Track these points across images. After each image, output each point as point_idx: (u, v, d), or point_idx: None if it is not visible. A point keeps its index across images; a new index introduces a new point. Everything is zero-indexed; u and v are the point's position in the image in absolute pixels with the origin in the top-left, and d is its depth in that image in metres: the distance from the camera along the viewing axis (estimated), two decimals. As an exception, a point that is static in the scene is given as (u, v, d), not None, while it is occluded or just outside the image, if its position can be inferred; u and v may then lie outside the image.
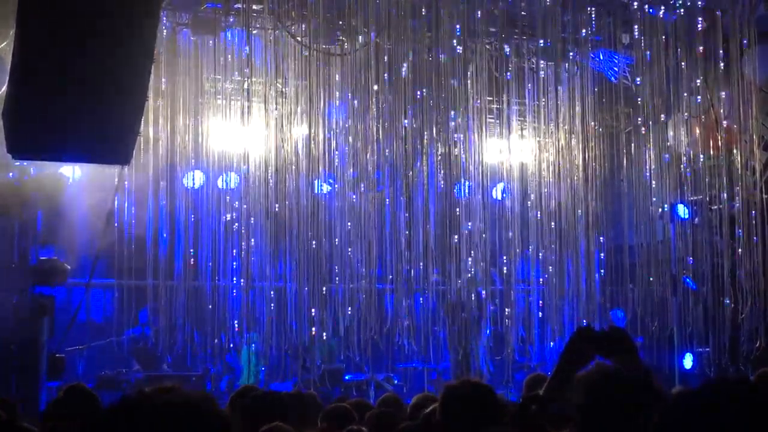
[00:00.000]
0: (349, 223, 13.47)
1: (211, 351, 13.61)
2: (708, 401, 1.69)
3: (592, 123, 14.39)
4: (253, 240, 13.19)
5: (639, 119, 14.30)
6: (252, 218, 13.17)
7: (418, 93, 13.21)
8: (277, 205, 12.98)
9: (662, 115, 13.97)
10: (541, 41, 13.67)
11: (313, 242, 13.05)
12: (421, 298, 13.83)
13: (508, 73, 14.04)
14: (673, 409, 1.73)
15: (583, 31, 13.66)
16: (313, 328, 13.14)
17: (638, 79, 14.01)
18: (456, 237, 13.64)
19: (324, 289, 13.19)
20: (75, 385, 6.27)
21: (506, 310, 14.42)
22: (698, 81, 13.61)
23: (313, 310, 13.05)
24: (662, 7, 13.54)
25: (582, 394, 3.62)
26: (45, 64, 7.14)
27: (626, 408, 3.47)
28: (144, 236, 13.46)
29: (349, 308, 13.44)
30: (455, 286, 13.70)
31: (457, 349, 13.84)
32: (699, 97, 13.74)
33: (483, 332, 14.10)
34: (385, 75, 13.09)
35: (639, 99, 14.12)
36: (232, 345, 13.64)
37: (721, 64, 13.42)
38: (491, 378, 13.64)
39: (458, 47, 13.19)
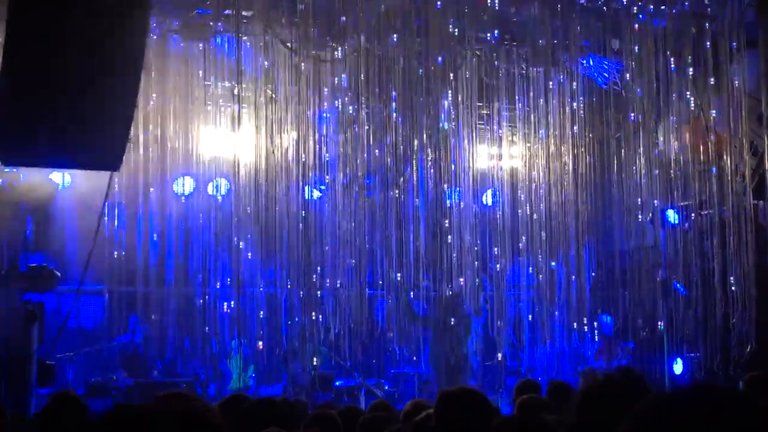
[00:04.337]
0: (339, 228, 13.46)
1: (202, 357, 13.60)
2: (689, 411, 1.67)
3: (582, 128, 14.41)
4: (242, 246, 13.17)
5: (630, 124, 14.32)
6: (242, 224, 13.15)
7: (408, 98, 13.22)
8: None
9: (652, 121, 14.01)
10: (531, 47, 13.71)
11: (307, 252, 13.05)
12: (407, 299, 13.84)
13: (498, 78, 14.06)
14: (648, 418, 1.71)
15: (573, 36, 13.69)
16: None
17: (622, 85, 14.06)
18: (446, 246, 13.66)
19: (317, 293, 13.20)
20: (64, 392, 6.24)
21: (497, 315, 14.44)
22: (688, 87, 13.65)
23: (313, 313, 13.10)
24: (651, 13, 13.57)
25: (576, 408, 3.60)
26: (34, 71, 7.13)
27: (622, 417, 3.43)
28: (134, 242, 13.44)
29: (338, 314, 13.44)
30: (446, 292, 13.72)
31: (444, 355, 13.84)
32: (689, 102, 13.77)
33: (472, 339, 14.10)
34: (375, 81, 13.10)
35: (628, 104, 14.16)
36: (222, 351, 13.63)
37: (711, 70, 13.46)
38: (481, 383, 13.65)
39: (446, 53, 13.22)
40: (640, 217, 14.24)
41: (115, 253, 13.21)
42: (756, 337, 13.11)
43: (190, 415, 2.07)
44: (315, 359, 13.64)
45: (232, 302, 13.16)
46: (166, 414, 2.06)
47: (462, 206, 14.06)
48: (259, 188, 13.01)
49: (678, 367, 14.21)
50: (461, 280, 13.78)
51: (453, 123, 13.76)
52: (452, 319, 13.97)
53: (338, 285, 13.48)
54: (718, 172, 13.57)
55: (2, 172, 11.70)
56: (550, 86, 14.20)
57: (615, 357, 14.47)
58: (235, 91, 12.70)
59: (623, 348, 14.45)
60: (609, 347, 14.64)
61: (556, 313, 14.44)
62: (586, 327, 14.55)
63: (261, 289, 13.51)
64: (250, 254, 13.27)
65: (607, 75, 14.60)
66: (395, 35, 12.87)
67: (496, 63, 14.05)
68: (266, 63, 12.89)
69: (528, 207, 14.47)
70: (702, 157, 13.75)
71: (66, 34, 7.04)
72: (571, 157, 14.33)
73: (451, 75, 13.47)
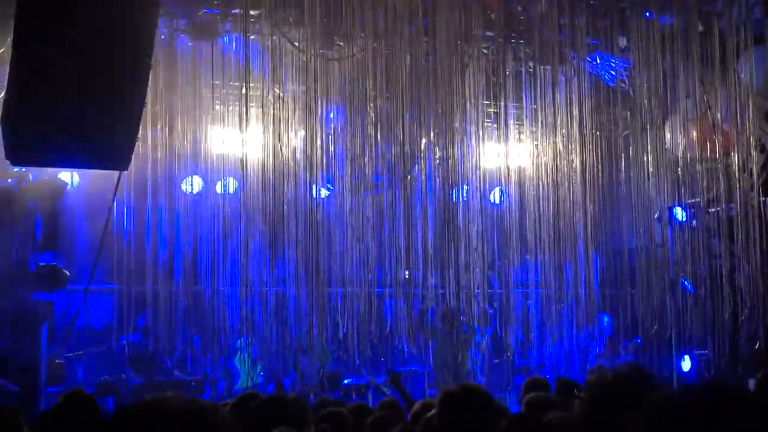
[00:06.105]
0: (347, 227, 13.46)
1: (211, 356, 13.63)
2: (695, 409, 1.68)
3: (590, 127, 14.39)
4: (251, 244, 13.18)
5: (637, 121, 14.30)
6: (250, 223, 13.17)
7: (416, 97, 13.21)
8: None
9: (659, 119, 13.98)
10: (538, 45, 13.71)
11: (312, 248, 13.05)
12: (421, 305, 13.84)
13: (506, 76, 14.05)
14: (658, 417, 1.72)
15: (580, 34, 13.67)
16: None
17: (629, 83, 14.05)
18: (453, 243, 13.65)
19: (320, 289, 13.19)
20: (75, 390, 6.26)
21: (505, 313, 14.45)
22: (695, 84, 13.61)
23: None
24: (658, 10, 13.55)
25: (584, 405, 3.61)
26: (43, 70, 7.15)
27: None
28: (143, 241, 13.48)
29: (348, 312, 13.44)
30: (453, 290, 13.71)
31: (448, 355, 13.83)
32: (696, 99, 13.75)
33: (478, 338, 14.08)
34: (383, 79, 13.09)
35: (635, 102, 14.14)
36: (230, 349, 13.66)
37: (718, 67, 13.43)
38: (486, 383, 13.64)
39: (455, 51, 13.21)
40: (649, 213, 14.22)
41: (124, 252, 13.24)
42: (764, 334, 13.09)
43: (190, 415, 2.09)
44: (323, 357, 13.66)
45: (241, 301, 13.17)
46: (167, 414, 2.08)
47: (470, 204, 14.05)
48: (267, 187, 13.00)
49: (686, 365, 14.20)
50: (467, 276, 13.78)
51: (460, 121, 13.74)
52: (451, 331, 13.95)
53: (346, 283, 13.48)
54: (726, 169, 13.54)
55: (11, 172, 11.73)
56: (558, 84, 14.19)
57: (618, 355, 14.48)
58: (243, 91, 12.72)
59: (625, 347, 14.45)
60: (612, 346, 14.65)
61: (564, 311, 14.43)
62: (594, 325, 14.57)
63: (269, 287, 13.51)
64: (258, 252, 13.28)
65: (614, 73, 14.58)
66: (402, 34, 12.85)
67: (503, 61, 14.03)
68: (274, 62, 12.87)
69: (535, 205, 14.46)
70: (709, 155, 13.73)
71: (74, 33, 7.06)
72: (578, 155, 14.31)
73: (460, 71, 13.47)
